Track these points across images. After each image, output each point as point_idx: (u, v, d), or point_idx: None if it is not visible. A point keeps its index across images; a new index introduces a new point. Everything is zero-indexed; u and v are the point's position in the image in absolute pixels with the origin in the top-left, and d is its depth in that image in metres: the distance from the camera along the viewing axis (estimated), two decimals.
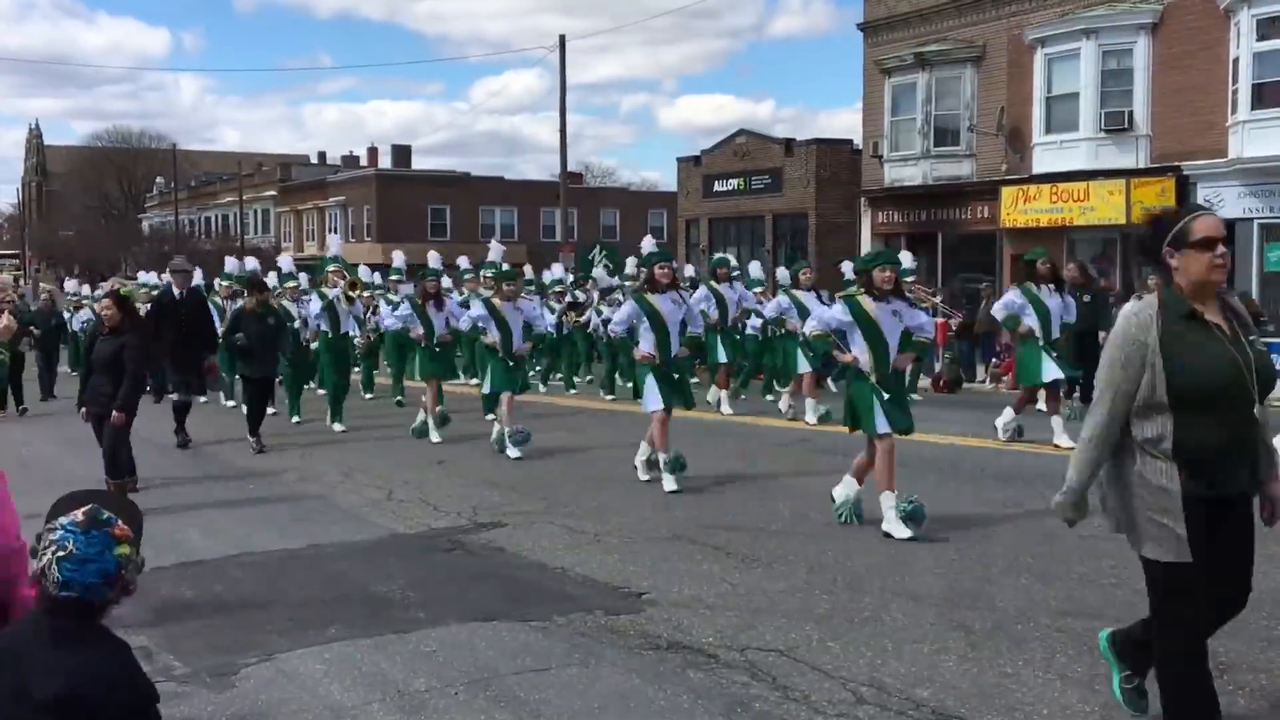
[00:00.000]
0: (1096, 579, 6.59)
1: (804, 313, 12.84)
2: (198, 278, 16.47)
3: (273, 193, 68.27)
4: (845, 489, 8.24)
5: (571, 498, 9.44)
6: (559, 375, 20.01)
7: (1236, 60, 21.63)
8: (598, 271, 22.52)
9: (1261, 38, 21.24)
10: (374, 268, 23.74)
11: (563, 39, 35.55)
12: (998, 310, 12.67)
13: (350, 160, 73.06)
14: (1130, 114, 23.81)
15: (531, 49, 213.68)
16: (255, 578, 7.09)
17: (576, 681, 5.05)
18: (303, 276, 19.04)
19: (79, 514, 2.68)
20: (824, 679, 5.00)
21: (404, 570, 7.12)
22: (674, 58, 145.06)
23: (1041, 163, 25.47)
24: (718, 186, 37.20)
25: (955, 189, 27.65)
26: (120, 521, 2.72)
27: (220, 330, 14.88)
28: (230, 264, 18.75)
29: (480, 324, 12.44)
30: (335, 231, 17.16)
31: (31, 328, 18.49)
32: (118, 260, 74.56)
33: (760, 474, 10.45)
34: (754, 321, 16.86)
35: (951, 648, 5.40)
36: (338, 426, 14.26)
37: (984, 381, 21.05)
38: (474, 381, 18.08)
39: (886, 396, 7.97)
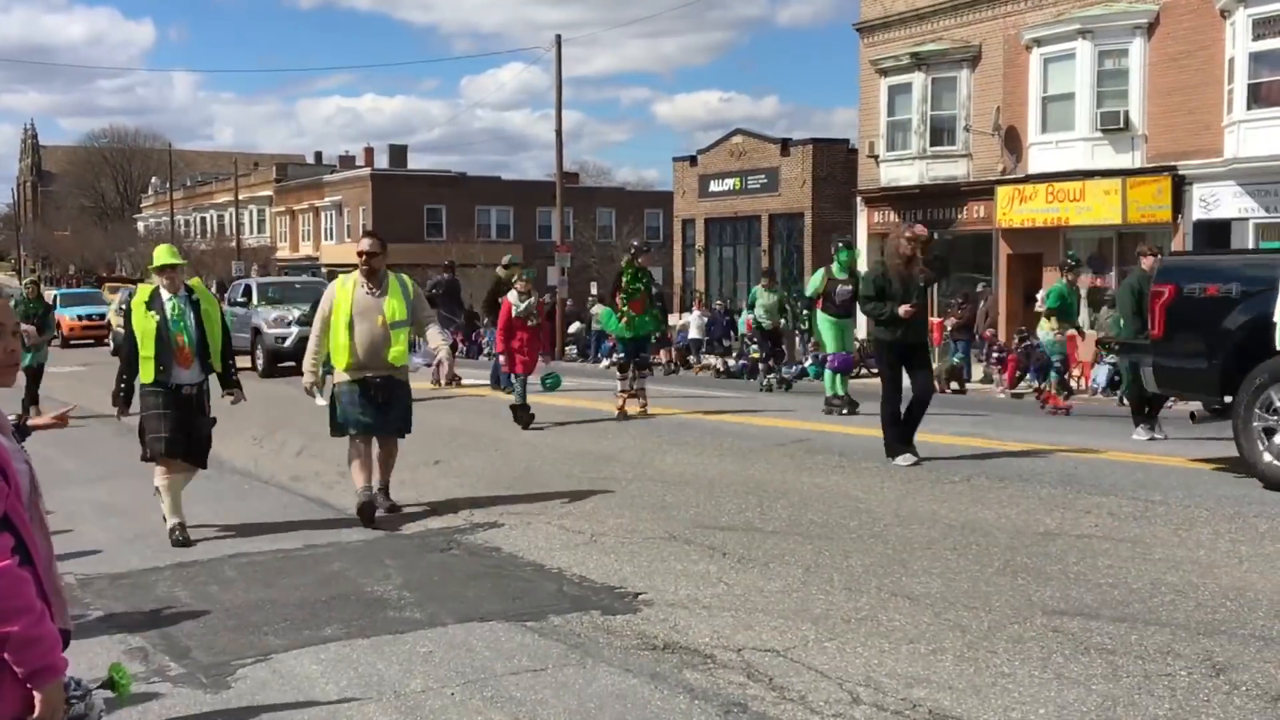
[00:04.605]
0: (1093, 578, 6.58)
1: None
2: None
3: (268, 192, 68.28)
4: None
5: (568, 498, 9.43)
6: None
7: (1232, 60, 21.67)
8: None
9: (1258, 37, 21.28)
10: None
11: (559, 39, 35.54)
12: None
13: (346, 160, 73.09)
14: (1126, 114, 23.84)
15: (530, 47, 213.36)
16: (251, 578, 7.08)
17: (573, 682, 5.05)
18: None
19: None
20: (820, 679, 5.00)
21: (400, 570, 7.11)
22: (672, 49, 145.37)
23: (1037, 163, 25.50)
24: (713, 186, 37.23)
25: (951, 189, 27.69)
26: None
27: None
28: None
29: None
30: None
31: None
32: (114, 260, 74.49)
33: (757, 473, 10.44)
34: None
35: (948, 647, 5.40)
36: None
37: (986, 380, 21.09)
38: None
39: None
